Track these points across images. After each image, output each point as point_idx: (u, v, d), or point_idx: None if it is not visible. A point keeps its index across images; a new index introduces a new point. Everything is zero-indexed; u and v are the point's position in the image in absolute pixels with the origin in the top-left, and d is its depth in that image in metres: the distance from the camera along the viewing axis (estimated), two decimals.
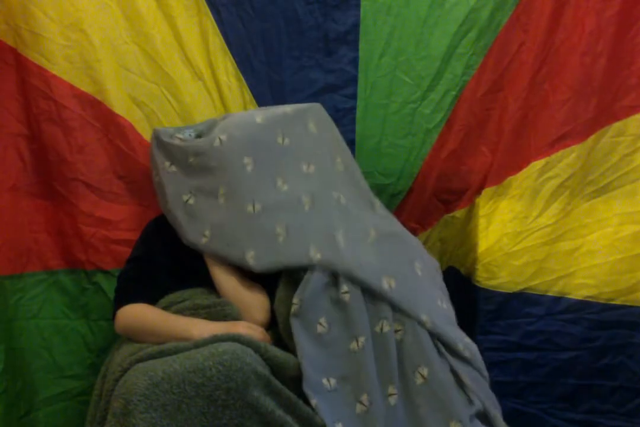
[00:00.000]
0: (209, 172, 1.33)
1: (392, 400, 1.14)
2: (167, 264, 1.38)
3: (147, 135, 1.55)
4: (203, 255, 1.34)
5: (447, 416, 1.11)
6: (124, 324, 1.28)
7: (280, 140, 1.36)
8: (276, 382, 1.08)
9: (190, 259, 1.36)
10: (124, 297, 1.31)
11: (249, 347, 1.08)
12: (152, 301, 1.31)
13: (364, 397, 1.14)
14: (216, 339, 1.10)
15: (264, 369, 1.06)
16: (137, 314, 1.27)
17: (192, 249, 1.34)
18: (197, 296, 1.33)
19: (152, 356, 1.09)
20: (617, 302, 1.51)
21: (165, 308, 1.29)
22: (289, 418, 1.07)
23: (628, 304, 1.50)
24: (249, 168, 1.31)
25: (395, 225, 1.42)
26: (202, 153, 1.34)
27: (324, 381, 1.16)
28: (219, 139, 1.32)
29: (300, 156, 1.37)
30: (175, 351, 1.09)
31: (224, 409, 1.02)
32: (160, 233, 1.41)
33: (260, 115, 1.37)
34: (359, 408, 1.14)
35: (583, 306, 1.53)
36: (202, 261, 1.35)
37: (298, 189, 1.33)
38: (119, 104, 1.53)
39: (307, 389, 1.14)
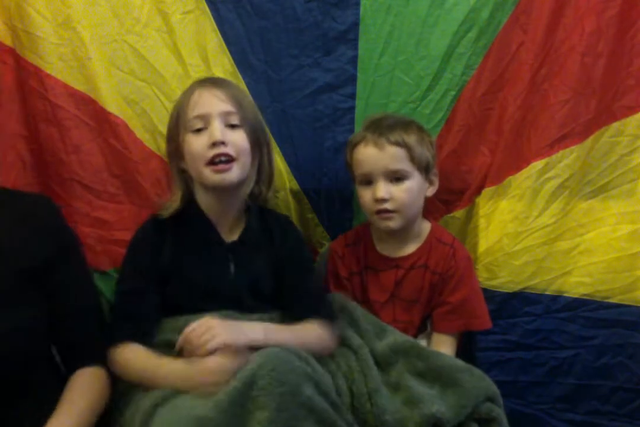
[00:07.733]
0: None
1: None
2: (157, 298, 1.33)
3: (140, 134, 1.54)
4: None
5: None
6: (119, 371, 1.22)
7: None
8: (326, 383, 1.06)
9: None
10: (116, 336, 1.26)
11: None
12: (146, 336, 1.26)
13: None
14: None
15: (312, 371, 1.04)
16: (130, 361, 1.21)
17: None
18: None
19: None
20: (614, 300, 1.52)
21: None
22: (338, 418, 1.04)
23: (625, 303, 1.51)
24: None
25: None
26: None
27: None
28: None
29: None
30: None
31: (278, 413, 0.96)
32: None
33: None
34: None
35: (579, 303, 1.53)
36: None
37: None
38: (111, 102, 1.50)
39: None
